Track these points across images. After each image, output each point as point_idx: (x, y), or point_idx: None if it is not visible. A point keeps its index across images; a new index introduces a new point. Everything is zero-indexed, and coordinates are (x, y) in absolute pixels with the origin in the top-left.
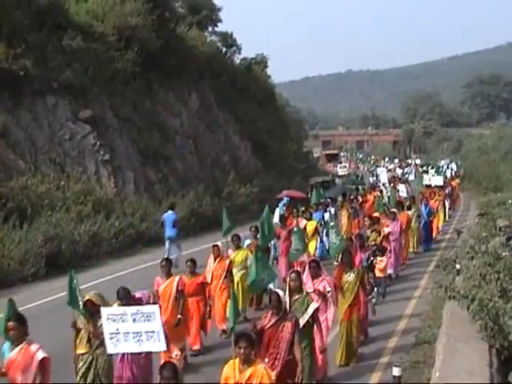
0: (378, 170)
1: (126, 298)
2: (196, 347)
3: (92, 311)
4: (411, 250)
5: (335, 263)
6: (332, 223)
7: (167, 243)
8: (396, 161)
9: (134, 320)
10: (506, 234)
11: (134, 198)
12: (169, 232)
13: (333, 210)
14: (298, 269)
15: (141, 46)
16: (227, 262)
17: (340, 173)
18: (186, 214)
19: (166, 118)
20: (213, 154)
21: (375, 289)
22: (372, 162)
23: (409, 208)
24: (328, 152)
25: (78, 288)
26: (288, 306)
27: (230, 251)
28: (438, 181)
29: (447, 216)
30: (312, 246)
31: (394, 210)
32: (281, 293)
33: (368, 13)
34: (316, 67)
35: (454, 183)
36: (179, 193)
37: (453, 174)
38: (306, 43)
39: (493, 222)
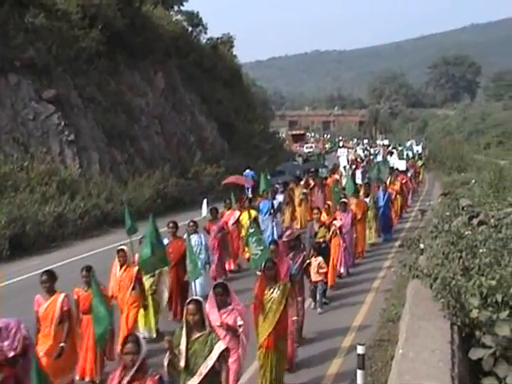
0: (339, 150)
1: None
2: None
3: None
4: (368, 241)
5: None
6: (252, 229)
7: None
8: (365, 141)
9: None
10: (468, 214)
11: (100, 178)
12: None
13: (281, 198)
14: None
15: (105, 25)
16: (135, 269)
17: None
18: (152, 194)
19: (131, 97)
20: (179, 134)
21: (317, 296)
22: (341, 143)
23: (366, 195)
24: (294, 132)
25: None
26: (184, 349)
27: (137, 256)
28: (400, 165)
29: (409, 201)
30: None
31: (344, 200)
32: (140, 336)
33: None
34: (282, 47)
35: (417, 165)
36: (145, 173)
37: (416, 156)
38: (272, 23)
39: (456, 201)
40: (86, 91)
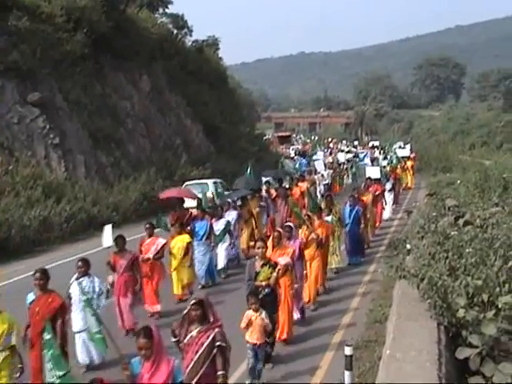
0: (318, 153)
1: None
2: None
3: None
4: (332, 266)
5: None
6: (48, 336)
7: None
8: (356, 143)
9: None
10: (454, 214)
11: (85, 181)
12: None
13: (234, 215)
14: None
15: (90, 28)
16: None
17: (292, 155)
18: (138, 197)
19: (116, 100)
20: (165, 137)
21: (256, 364)
22: (331, 145)
23: (329, 212)
24: (280, 134)
25: None
26: None
27: None
28: (374, 173)
29: (387, 215)
30: (182, 274)
31: (289, 223)
32: None
33: None
34: (268, 49)
35: (399, 171)
36: (131, 176)
37: (394, 160)
38: (258, 25)
39: (442, 201)
40: (71, 94)
